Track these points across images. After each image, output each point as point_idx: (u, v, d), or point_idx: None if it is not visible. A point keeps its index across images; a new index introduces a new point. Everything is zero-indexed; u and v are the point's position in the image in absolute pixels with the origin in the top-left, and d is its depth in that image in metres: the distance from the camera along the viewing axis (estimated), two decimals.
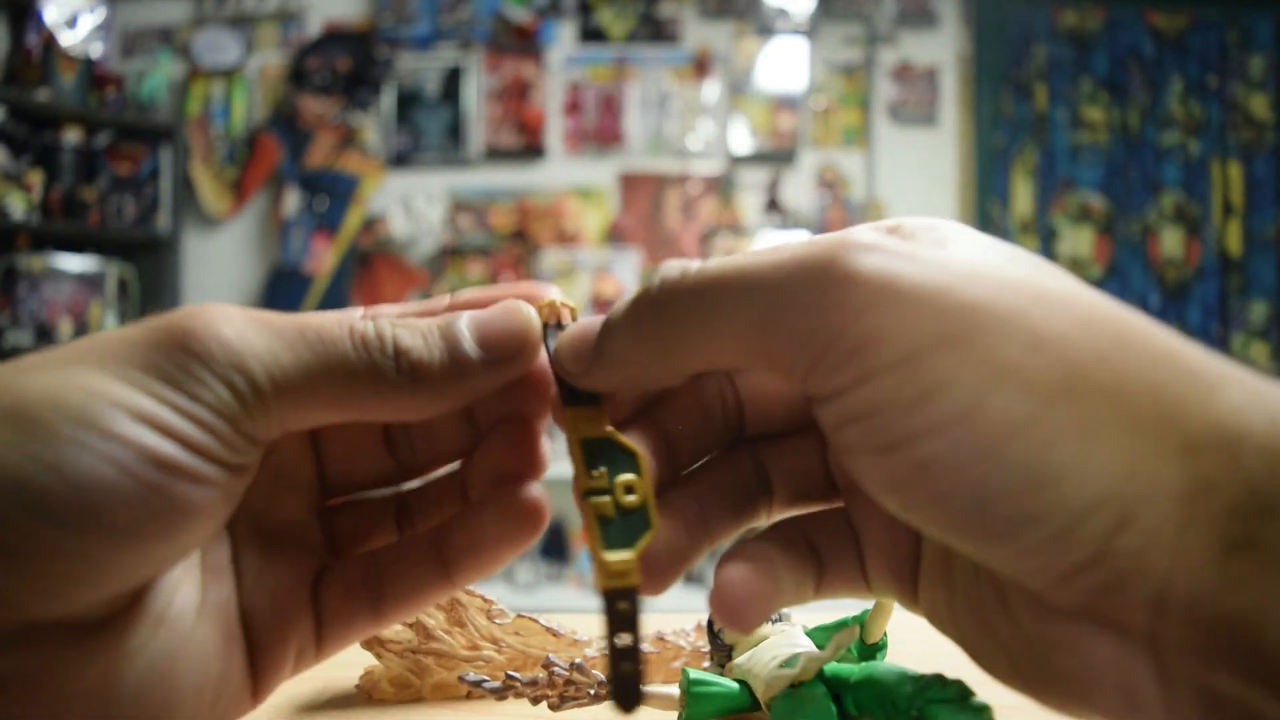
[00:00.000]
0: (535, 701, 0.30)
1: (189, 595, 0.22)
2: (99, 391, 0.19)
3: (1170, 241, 2.89)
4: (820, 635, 0.30)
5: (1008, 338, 0.18)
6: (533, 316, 0.23)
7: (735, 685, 0.29)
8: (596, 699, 0.30)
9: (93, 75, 2.78)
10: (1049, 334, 0.18)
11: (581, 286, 2.77)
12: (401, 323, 0.22)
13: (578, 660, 0.30)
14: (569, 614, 0.44)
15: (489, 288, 0.24)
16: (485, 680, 0.30)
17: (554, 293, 0.24)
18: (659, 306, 0.21)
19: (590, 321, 0.23)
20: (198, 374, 0.20)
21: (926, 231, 0.21)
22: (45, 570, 0.18)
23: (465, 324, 0.22)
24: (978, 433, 0.18)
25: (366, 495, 0.26)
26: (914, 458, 0.18)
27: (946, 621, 0.23)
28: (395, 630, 0.39)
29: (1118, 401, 0.18)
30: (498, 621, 0.39)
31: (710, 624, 0.32)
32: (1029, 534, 0.18)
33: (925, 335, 0.18)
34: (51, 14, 2.68)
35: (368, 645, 0.39)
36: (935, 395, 0.18)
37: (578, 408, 0.23)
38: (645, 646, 0.22)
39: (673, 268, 0.21)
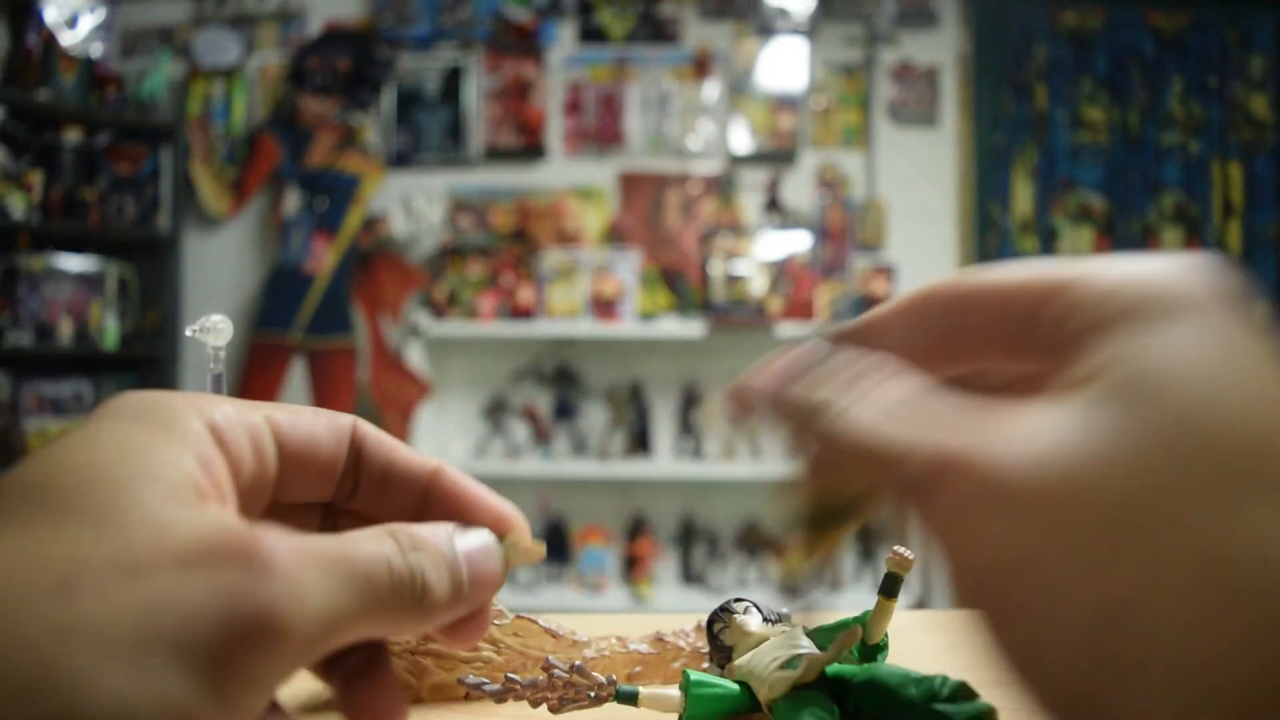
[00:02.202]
0: (535, 704, 0.30)
1: None
2: (166, 705, 0.17)
3: (1171, 241, 2.89)
4: (822, 636, 0.30)
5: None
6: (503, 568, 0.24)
7: (736, 686, 0.29)
8: (596, 701, 0.29)
9: (93, 75, 2.78)
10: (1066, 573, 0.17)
11: (581, 286, 2.77)
12: (425, 557, 0.22)
13: (577, 662, 0.30)
14: (569, 614, 0.44)
15: (472, 485, 0.26)
16: (485, 683, 0.30)
17: (518, 527, 0.25)
18: None
19: None
20: (267, 651, 0.19)
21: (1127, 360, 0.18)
22: None
23: (463, 561, 0.23)
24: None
25: None
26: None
27: None
28: None
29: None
30: (496, 622, 0.39)
31: (710, 625, 0.32)
32: None
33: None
34: (52, 14, 2.68)
35: None
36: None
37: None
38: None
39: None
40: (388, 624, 0.22)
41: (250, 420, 0.23)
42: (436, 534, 0.23)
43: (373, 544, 0.21)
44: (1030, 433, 0.18)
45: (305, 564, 0.20)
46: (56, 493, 0.19)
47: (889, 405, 0.21)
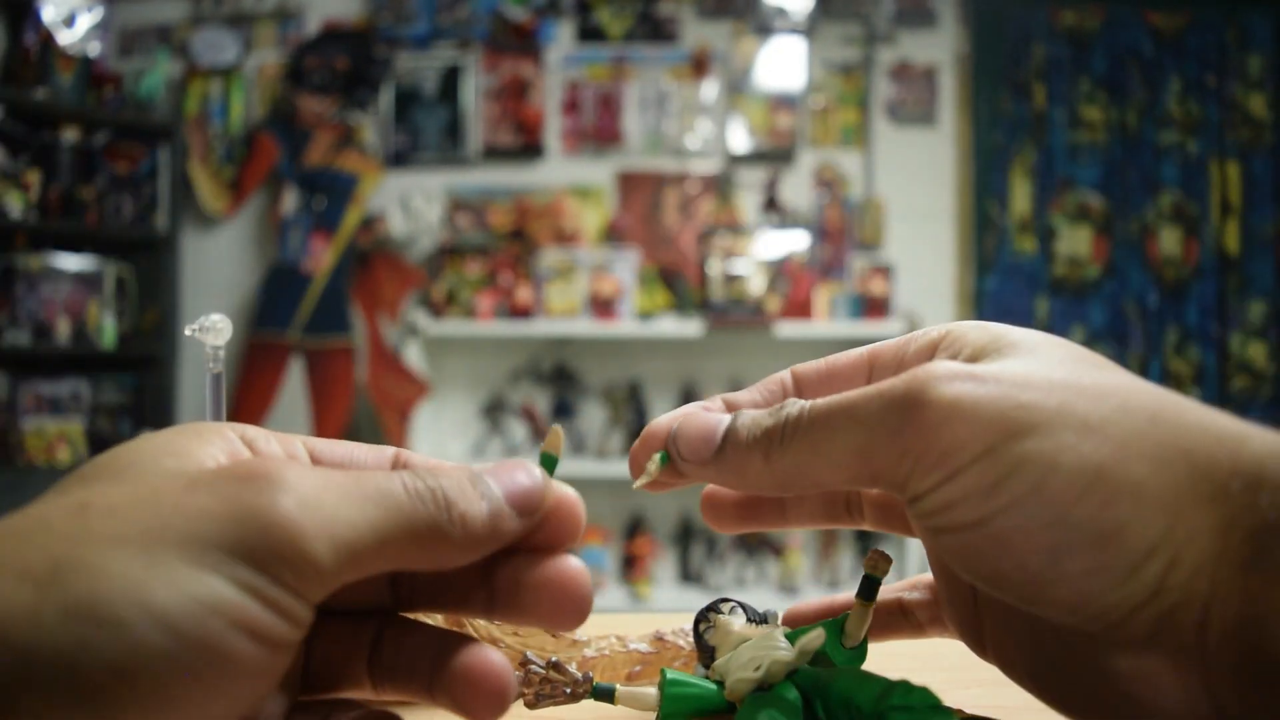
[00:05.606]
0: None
1: None
2: (188, 589, 0.18)
3: (1169, 241, 2.89)
4: (800, 638, 0.30)
5: (1061, 426, 0.22)
6: (543, 475, 0.24)
7: (713, 686, 0.29)
8: (573, 697, 0.29)
9: (91, 74, 2.78)
10: (1095, 420, 0.23)
11: (580, 286, 2.77)
12: (443, 478, 0.22)
13: (554, 658, 0.30)
14: None
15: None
16: None
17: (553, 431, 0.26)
18: (782, 440, 0.25)
19: (709, 421, 0.27)
20: (283, 553, 0.19)
21: (991, 343, 0.26)
22: None
23: (487, 475, 0.23)
24: (1048, 501, 0.22)
25: (349, 627, 0.25)
26: (995, 530, 0.22)
27: (1012, 665, 0.27)
28: None
29: (1158, 466, 0.22)
30: (497, 621, 0.39)
31: (695, 625, 0.32)
32: (1097, 581, 0.22)
33: (995, 434, 0.22)
34: (49, 13, 2.68)
35: None
36: (1011, 476, 0.22)
37: None
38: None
39: (794, 406, 0.26)
40: (421, 543, 0.21)
41: (284, 437, 0.24)
42: (453, 465, 0.24)
43: (382, 475, 0.22)
44: (976, 364, 0.25)
45: (318, 483, 0.21)
46: (97, 468, 0.22)
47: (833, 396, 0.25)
